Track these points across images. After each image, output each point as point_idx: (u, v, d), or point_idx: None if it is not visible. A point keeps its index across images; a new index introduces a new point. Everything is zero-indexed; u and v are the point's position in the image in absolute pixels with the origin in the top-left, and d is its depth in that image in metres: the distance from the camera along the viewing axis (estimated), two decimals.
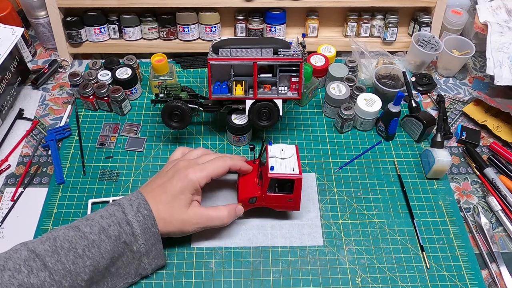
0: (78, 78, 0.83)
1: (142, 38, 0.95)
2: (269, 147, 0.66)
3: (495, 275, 0.64)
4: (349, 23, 0.93)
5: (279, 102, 0.73)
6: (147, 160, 0.77)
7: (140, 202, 0.58)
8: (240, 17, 0.92)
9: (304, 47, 0.77)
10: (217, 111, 0.77)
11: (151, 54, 0.86)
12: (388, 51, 0.92)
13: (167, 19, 0.91)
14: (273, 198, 0.65)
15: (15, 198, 0.72)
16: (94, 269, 0.53)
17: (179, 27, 0.92)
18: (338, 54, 0.95)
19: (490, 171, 0.75)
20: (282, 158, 0.64)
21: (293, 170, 0.62)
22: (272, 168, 0.62)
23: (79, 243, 0.53)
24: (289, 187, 0.64)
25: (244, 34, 0.95)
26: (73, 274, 0.51)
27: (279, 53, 0.70)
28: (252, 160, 0.71)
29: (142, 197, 0.59)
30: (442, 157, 0.72)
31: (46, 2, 0.88)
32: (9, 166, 0.77)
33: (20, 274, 0.49)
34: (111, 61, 0.88)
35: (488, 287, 0.63)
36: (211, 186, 0.73)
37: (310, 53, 0.89)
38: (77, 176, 0.75)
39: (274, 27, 0.92)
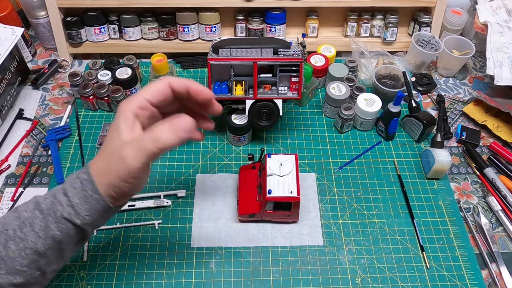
0: (78, 78, 0.83)
1: (142, 38, 0.95)
2: (268, 159, 0.66)
3: (495, 275, 0.64)
4: (349, 23, 0.93)
5: (279, 102, 0.73)
6: None
7: (82, 169, 0.47)
8: (240, 17, 0.92)
9: (304, 47, 0.77)
10: None
11: (151, 54, 0.86)
12: (388, 51, 0.92)
13: (167, 19, 0.91)
14: (272, 214, 0.66)
15: (15, 198, 0.72)
16: (33, 252, 0.44)
17: (179, 27, 0.92)
18: (338, 54, 0.95)
19: (490, 171, 0.74)
20: (281, 176, 0.64)
21: (291, 193, 0.63)
22: (270, 191, 0.63)
23: (12, 223, 0.45)
24: (287, 205, 0.64)
25: (244, 34, 0.95)
26: (7, 261, 0.43)
27: (279, 53, 0.70)
28: (252, 166, 0.71)
29: (87, 164, 0.47)
30: (442, 157, 0.72)
31: (46, 2, 0.88)
32: (9, 166, 0.77)
33: None
34: (111, 61, 0.88)
35: (488, 287, 0.63)
36: (211, 189, 0.73)
37: (310, 53, 0.89)
38: None
39: (274, 27, 0.92)
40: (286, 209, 0.64)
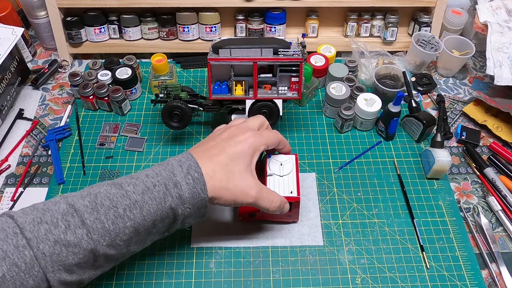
0: (78, 78, 0.83)
1: (142, 38, 0.95)
2: (268, 160, 0.66)
3: (495, 275, 0.64)
4: (349, 23, 0.93)
5: (279, 102, 0.73)
6: (147, 160, 0.77)
7: (190, 164, 0.53)
8: (240, 17, 0.92)
9: (304, 47, 0.77)
10: (217, 111, 0.77)
11: (151, 54, 0.86)
12: (388, 51, 0.92)
13: (167, 19, 0.91)
14: (272, 214, 0.64)
15: (15, 198, 0.72)
16: (134, 230, 0.49)
17: (179, 27, 0.92)
18: (338, 54, 0.95)
19: (490, 171, 0.74)
20: (281, 176, 0.64)
21: (291, 193, 0.62)
22: None
23: (121, 202, 0.49)
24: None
25: (244, 34, 0.95)
26: (112, 235, 0.48)
27: (279, 53, 0.70)
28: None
29: (193, 159, 0.53)
30: (442, 157, 0.72)
31: (46, 2, 0.88)
32: (9, 166, 0.77)
33: (57, 229, 0.46)
34: (111, 61, 0.88)
35: (488, 287, 0.63)
36: None
37: (310, 53, 0.89)
38: (77, 176, 0.75)
39: (274, 27, 0.92)
40: None
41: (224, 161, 0.54)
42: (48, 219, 0.47)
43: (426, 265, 0.64)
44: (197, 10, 0.91)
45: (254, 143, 0.56)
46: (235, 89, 0.72)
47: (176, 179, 0.51)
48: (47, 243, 0.46)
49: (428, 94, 0.90)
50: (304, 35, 0.90)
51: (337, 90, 0.81)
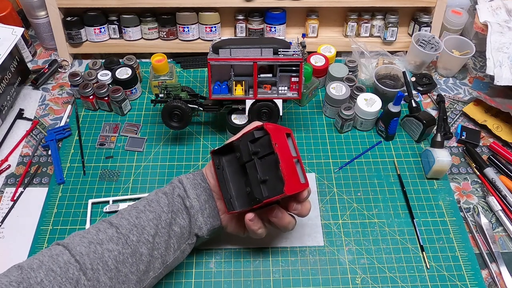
0: (78, 78, 0.83)
1: (142, 38, 0.95)
2: None
3: (495, 275, 0.64)
4: (349, 23, 0.93)
5: (279, 102, 0.73)
6: (147, 160, 0.77)
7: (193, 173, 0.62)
8: (240, 17, 0.92)
9: (304, 47, 0.77)
10: (217, 111, 0.77)
11: (151, 54, 0.86)
12: (388, 51, 0.92)
13: (167, 19, 0.91)
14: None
15: (15, 198, 0.72)
16: (157, 222, 0.54)
17: (179, 27, 0.92)
18: (338, 54, 0.95)
19: (490, 171, 0.74)
20: None
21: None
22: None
23: (140, 203, 0.57)
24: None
25: (244, 34, 0.95)
26: (139, 228, 0.53)
27: (279, 53, 0.70)
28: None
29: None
30: (442, 157, 0.72)
31: (46, 2, 0.88)
32: (9, 166, 0.77)
33: (89, 234, 0.52)
34: (111, 61, 0.88)
35: (488, 287, 0.63)
36: None
37: (310, 53, 0.89)
38: (77, 176, 0.75)
39: (274, 27, 0.92)
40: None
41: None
42: (80, 232, 0.53)
43: (426, 265, 0.64)
44: (197, 10, 0.91)
45: None
46: (235, 89, 0.72)
47: (179, 177, 0.60)
48: (82, 245, 0.50)
49: (428, 94, 0.90)
50: (304, 35, 0.90)
51: (337, 90, 0.81)
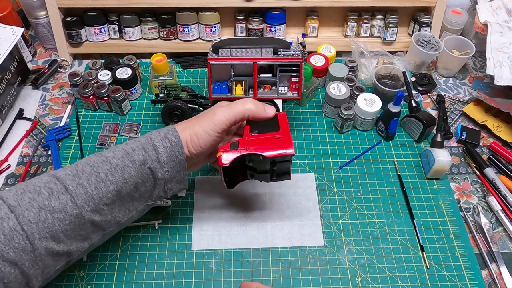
0: (78, 78, 0.83)
1: (142, 38, 0.95)
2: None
3: (495, 275, 0.64)
4: (349, 23, 0.93)
5: (279, 102, 0.73)
6: None
7: (168, 129, 0.55)
8: (240, 17, 0.92)
9: (304, 47, 0.77)
10: None
11: (151, 54, 0.86)
12: (388, 51, 0.92)
13: (167, 19, 0.91)
14: (258, 147, 0.57)
15: None
16: (117, 194, 0.51)
17: (179, 27, 0.92)
18: (338, 54, 0.95)
19: (490, 171, 0.75)
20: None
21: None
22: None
23: (102, 167, 0.51)
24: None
25: (244, 34, 0.95)
26: (96, 199, 0.50)
27: (279, 53, 0.70)
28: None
29: (172, 127, 0.56)
30: (442, 157, 0.72)
31: (46, 2, 0.88)
32: (9, 166, 0.77)
33: (40, 196, 0.48)
34: (111, 61, 0.88)
35: (488, 287, 0.63)
36: (210, 191, 0.73)
37: (310, 53, 0.89)
38: None
39: (274, 27, 0.92)
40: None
41: (195, 117, 0.59)
42: (30, 188, 0.48)
43: (426, 265, 0.64)
44: (197, 10, 0.91)
45: (223, 114, 0.56)
46: (235, 89, 0.72)
47: (153, 143, 0.54)
48: (31, 210, 0.46)
49: (428, 94, 0.90)
50: (304, 35, 0.90)
51: (337, 90, 0.81)
